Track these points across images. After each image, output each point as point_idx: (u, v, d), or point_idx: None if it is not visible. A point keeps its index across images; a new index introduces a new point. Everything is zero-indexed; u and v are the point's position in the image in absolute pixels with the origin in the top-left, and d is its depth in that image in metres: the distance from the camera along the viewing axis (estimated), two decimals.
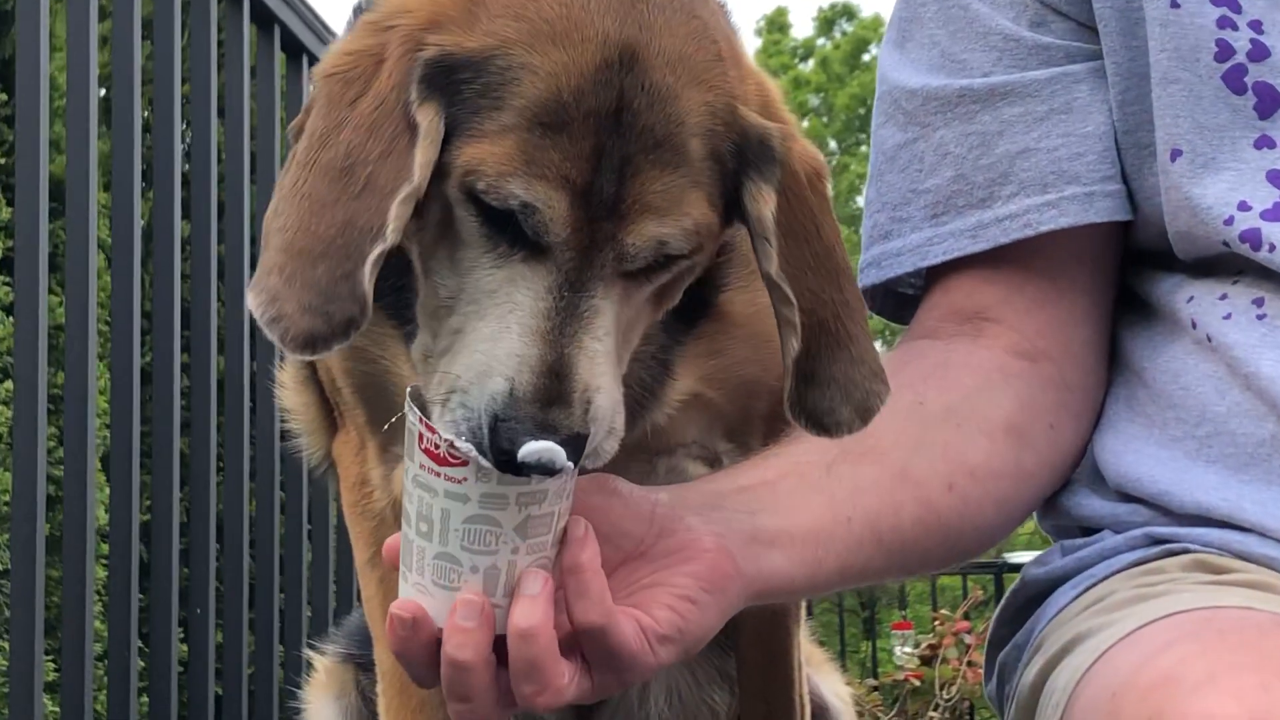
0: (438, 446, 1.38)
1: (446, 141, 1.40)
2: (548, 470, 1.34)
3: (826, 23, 34.36)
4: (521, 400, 1.36)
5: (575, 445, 1.36)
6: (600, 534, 1.44)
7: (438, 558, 1.40)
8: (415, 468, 1.40)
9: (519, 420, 1.35)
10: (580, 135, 1.38)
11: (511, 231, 1.40)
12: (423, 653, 1.42)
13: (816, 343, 1.51)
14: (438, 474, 1.38)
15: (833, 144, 31.83)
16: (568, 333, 1.38)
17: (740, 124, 1.47)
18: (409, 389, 1.43)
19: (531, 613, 1.38)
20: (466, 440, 1.36)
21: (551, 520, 1.40)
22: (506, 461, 1.35)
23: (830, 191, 1.58)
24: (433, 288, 1.44)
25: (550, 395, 1.36)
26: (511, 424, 1.35)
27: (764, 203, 1.48)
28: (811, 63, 33.26)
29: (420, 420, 1.39)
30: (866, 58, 32.32)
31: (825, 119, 31.68)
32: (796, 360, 1.50)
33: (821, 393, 1.51)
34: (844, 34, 33.88)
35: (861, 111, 30.80)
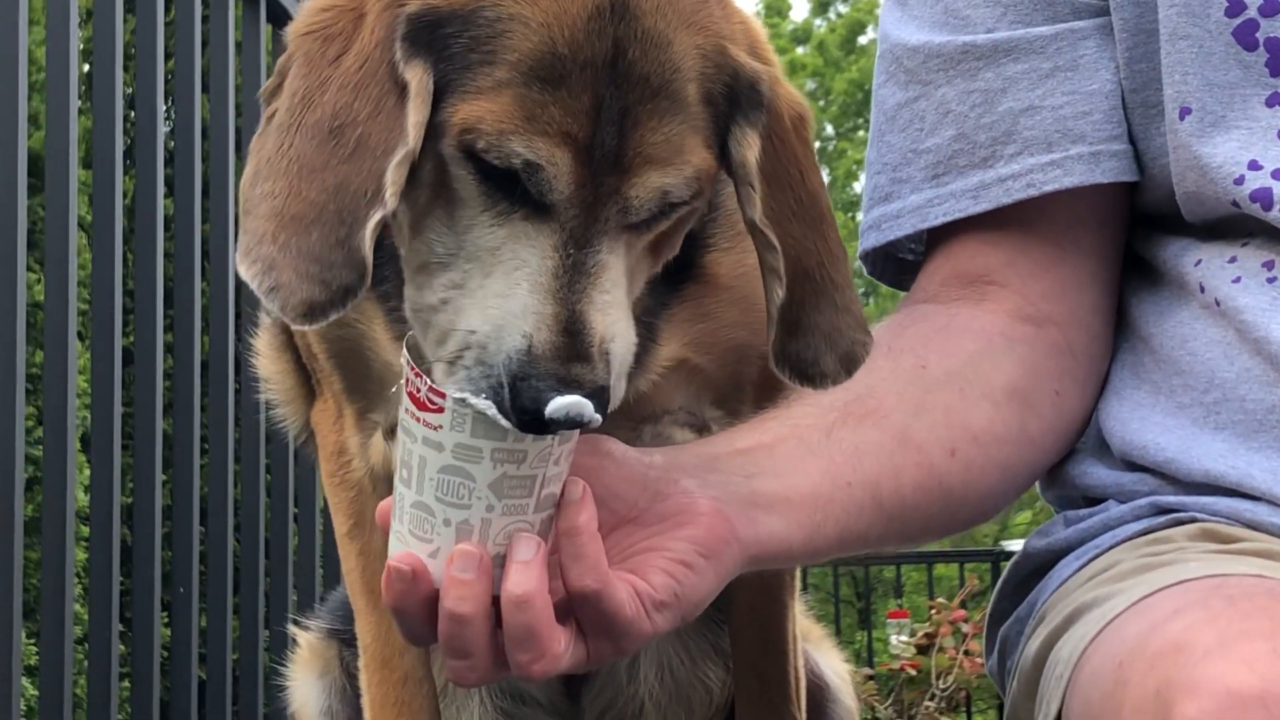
0: (419, 390, 1.36)
1: (437, 99, 1.37)
2: (575, 424, 1.32)
3: (821, 5, 34.40)
4: (542, 358, 1.33)
5: (600, 398, 1.34)
6: (595, 497, 1.40)
7: (414, 506, 1.38)
8: (401, 412, 1.38)
9: (541, 378, 1.33)
10: (578, 88, 1.36)
11: (512, 189, 1.37)
12: (419, 608, 1.38)
13: (800, 291, 1.49)
14: (417, 419, 1.36)
15: (829, 129, 31.87)
16: (577, 289, 1.36)
17: (731, 65, 1.44)
18: (407, 337, 1.41)
19: (526, 579, 1.35)
20: (487, 398, 1.33)
21: (533, 484, 1.37)
22: (531, 420, 1.32)
23: (812, 138, 1.55)
24: (425, 244, 1.41)
25: (569, 351, 1.34)
26: (533, 382, 1.33)
27: (749, 147, 1.46)
28: (808, 47, 33.28)
29: (408, 363, 1.37)
30: (864, 40, 32.36)
31: (822, 104, 31.71)
32: (781, 309, 1.48)
33: (806, 342, 1.50)
34: (839, 15, 33.90)
35: (859, 96, 30.83)
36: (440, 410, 1.35)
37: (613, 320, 1.37)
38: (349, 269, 1.34)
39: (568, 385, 1.32)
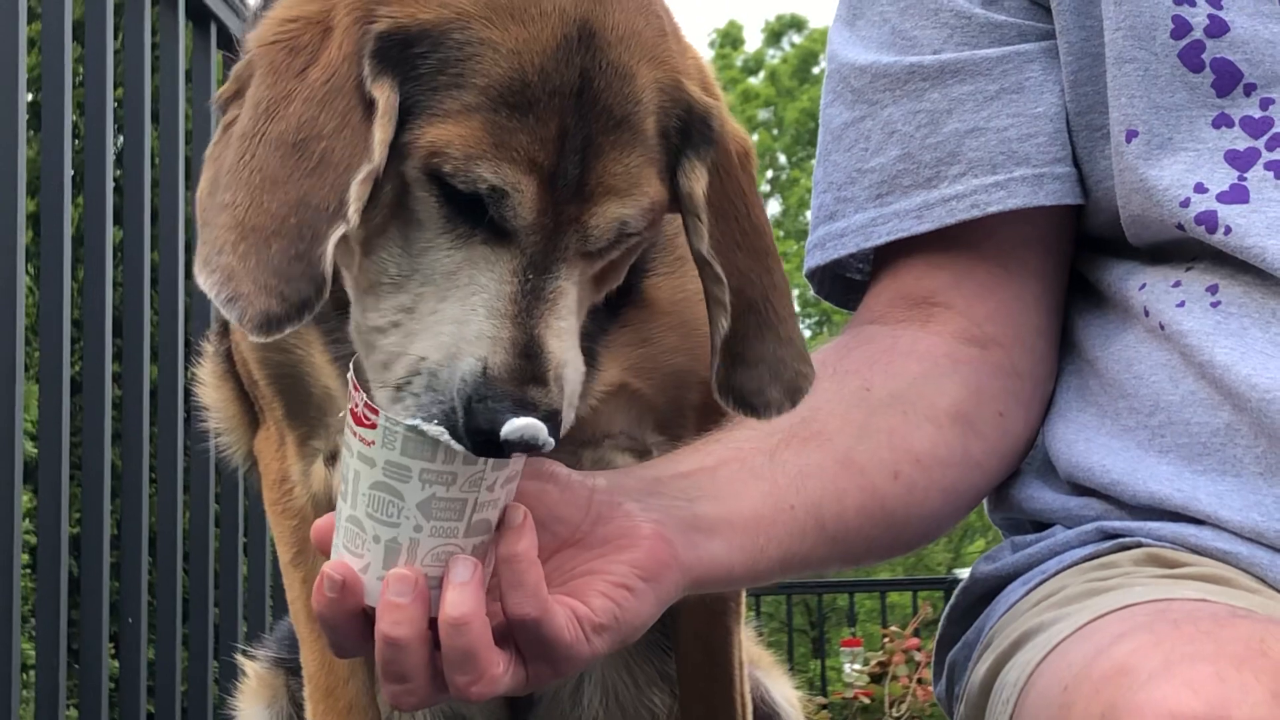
0: (357, 405, 1.36)
1: (402, 119, 1.36)
2: (530, 447, 1.32)
3: (774, 35, 34.51)
4: (498, 379, 1.33)
5: (554, 421, 1.34)
6: (536, 519, 1.40)
7: (348, 520, 1.38)
8: (344, 425, 1.38)
9: (496, 399, 1.32)
10: (546, 116, 1.36)
11: (474, 214, 1.37)
12: (346, 620, 1.37)
13: (745, 322, 1.49)
14: (355, 433, 1.36)
15: (782, 158, 31.96)
16: (535, 314, 1.36)
17: (686, 99, 1.45)
18: (353, 363, 1.41)
19: (462, 601, 1.34)
20: (438, 424, 1.33)
21: (463, 508, 1.36)
22: (485, 442, 1.32)
23: (756, 172, 1.57)
24: (378, 265, 1.40)
25: (525, 374, 1.34)
26: (489, 403, 1.32)
27: (697, 180, 1.46)
28: (761, 76, 33.38)
29: (351, 377, 1.37)
30: (816, 70, 32.46)
31: (775, 133, 31.79)
32: (725, 340, 1.48)
33: (751, 373, 1.50)
34: (793, 45, 34.01)
35: (811, 125, 30.92)
36: (373, 426, 1.34)
37: (568, 347, 1.37)
38: (308, 282, 1.33)
39: (523, 407, 1.32)
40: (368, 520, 1.36)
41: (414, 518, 1.35)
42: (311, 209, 1.34)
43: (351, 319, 1.44)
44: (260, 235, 1.34)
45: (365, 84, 1.36)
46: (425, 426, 1.33)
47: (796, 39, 34.10)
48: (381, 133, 1.35)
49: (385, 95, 1.36)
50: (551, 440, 1.33)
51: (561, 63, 1.37)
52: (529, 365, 1.34)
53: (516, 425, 1.31)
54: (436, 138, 1.35)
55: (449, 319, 1.36)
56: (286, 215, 1.34)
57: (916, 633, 8.68)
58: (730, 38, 34.09)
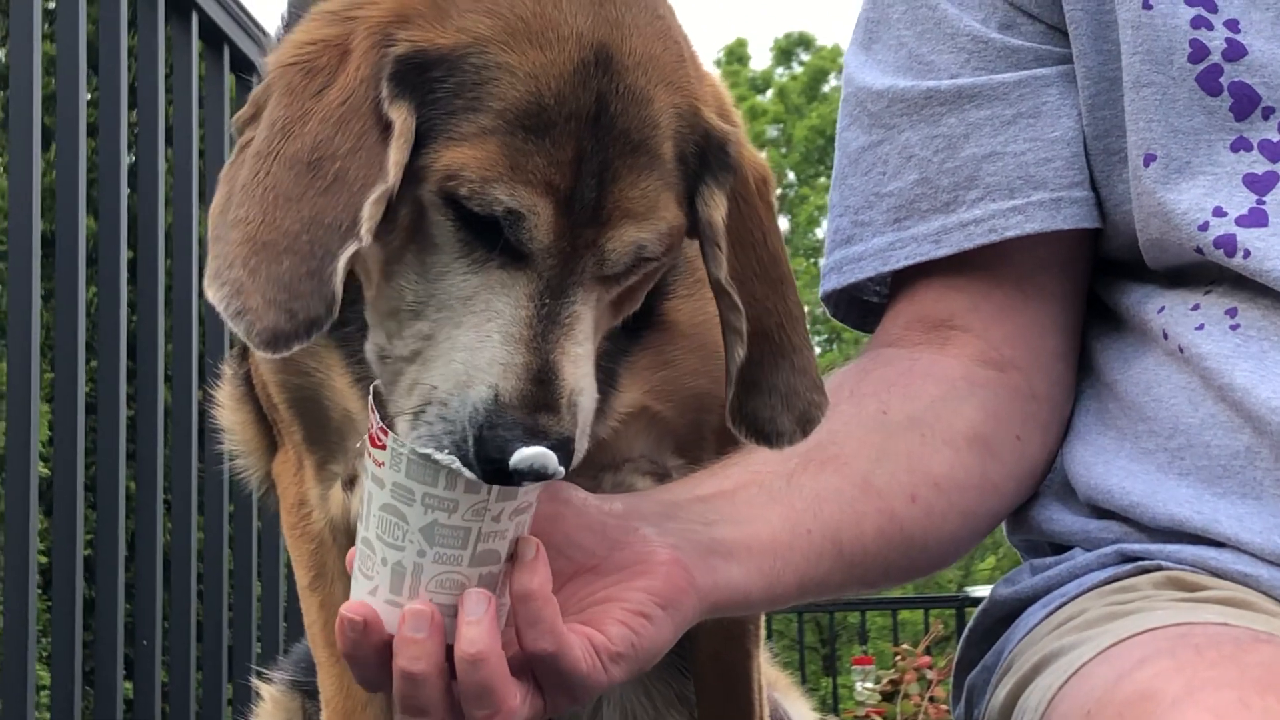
0: (372, 425, 1.36)
1: (418, 142, 1.36)
2: (539, 476, 1.31)
3: (784, 53, 34.54)
4: (509, 407, 1.33)
5: (565, 449, 1.34)
6: (552, 545, 1.40)
7: (362, 541, 1.38)
8: (364, 447, 1.39)
9: (507, 427, 1.32)
10: (562, 139, 1.36)
11: (491, 238, 1.37)
12: (373, 656, 1.37)
13: (760, 351, 1.49)
14: (369, 454, 1.36)
15: (791, 175, 31.97)
16: (550, 339, 1.36)
17: (704, 127, 1.45)
18: (373, 386, 1.41)
19: (478, 637, 1.34)
20: (449, 453, 1.32)
21: (466, 536, 1.35)
22: (496, 471, 1.32)
23: (775, 200, 1.56)
24: (396, 291, 1.40)
25: (537, 401, 1.33)
26: (499, 431, 1.32)
27: (716, 208, 1.46)
28: (770, 94, 33.41)
29: (370, 400, 1.38)
30: (826, 88, 32.48)
31: (784, 150, 31.79)
32: (741, 368, 1.48)
33: (764, 401, 1.50)
34: (802, 64, 34.02)
35: (820, 143, 30.96)
36: (384, 448, 1.35)
37: (583, 373, 1.37)
38: (318, 300, 1.33)
39: (534, 435, 1.32)
40: (377, 542, 1.36)
41: (418, 542, 1.35)
42: (324, 227, 1.34)
43: (370, 343, 1.44)
44: (272, 251, 1.34)
45: (382, 106, 1.37)
46: (430, 453, 1.33)
47: (805, 57, 34.12)
48: (397, 154, 1.35)
49: (402, 117, 1.36)
50: (561, 470, 1.32)
51: (578, 86, 1.37)
52: (541, 392, 1.34)
53: (526, 455, 1.31)
54: (452, 160, 1.35)
55: (462, 346, 1.36)
56: (299, 232, 1.34)
57: (928, 650, 8.65)
58: (736, 55, 34.12)
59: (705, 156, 1.45)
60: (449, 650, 1.36)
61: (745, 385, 1.49)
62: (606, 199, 1.38)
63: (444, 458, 1.32)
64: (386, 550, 1.36)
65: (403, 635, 1.34)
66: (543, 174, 1.35)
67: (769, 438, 1.50)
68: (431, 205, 1.37)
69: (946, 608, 10.90)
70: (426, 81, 1.37)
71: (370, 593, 1.37)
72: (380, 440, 1.35)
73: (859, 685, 9.63)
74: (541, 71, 1.37)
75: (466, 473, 1.32)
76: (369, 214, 1.34)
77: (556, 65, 1.37)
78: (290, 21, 1.56)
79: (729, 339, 1.48)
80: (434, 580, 1.36)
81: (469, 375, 1.34)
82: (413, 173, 1.36)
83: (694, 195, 1.46)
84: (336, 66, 1.40)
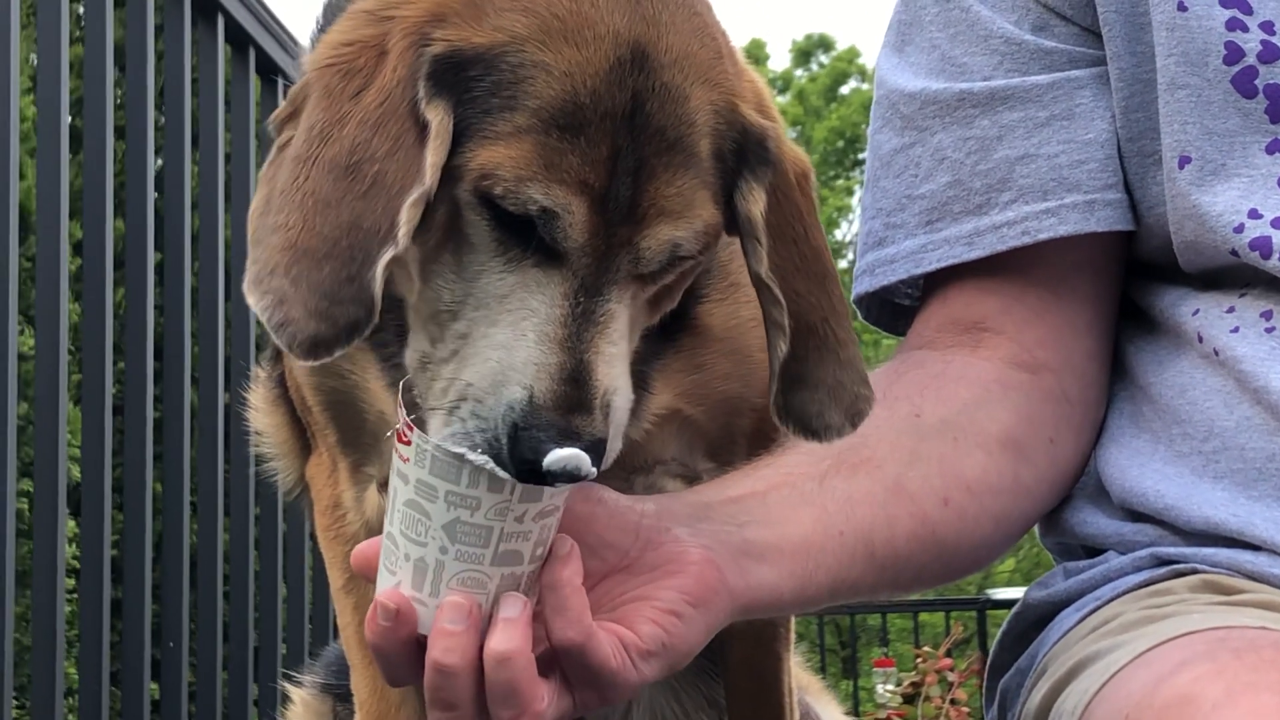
0: (399, 421, 1.37)
1: (456, 141, 1.37)
2: (573, 478, 1.32)
3: (803, 54, 34.52)
4: (543, 408, 1.33)
5: (598, 450, 1.34)
6: (584, 545, 1.40)
7: (387, 536, 1.39)
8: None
9: (542, 428, 1.32)
10: (597, 138, 1.36)
11: (525, 236, 1.37)
12: (400, 648, 1.38)
13: (804, 345, 1.49)
14: (397, 450, 1.37)
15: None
16: (585, 338, 1.36)
17: (741, 123, 1.45)
18: (403, 383, 1.41)
19: (510, 637, 1.34)
20: (483, 451, 1.33)
21: (489, 535, 1.35)
22: (530, 471, 1.32)
23: (816, 195, 1.56)
24: (434, 292, 1.41)
25: (571, 402, 1.34)
26: (534, 432, 1.32)
27: (755, 203, 1.46)
28: (789, 96, 33.38)
29: (400, 396, 1.38)
30: (845, 90, 32.45)
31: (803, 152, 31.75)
32: (784, 363, 1.48)
33: (811, 395, 1.50)
34: (821, 66, 33.99)
35: (840, 145, 30.93)
36: (410, 444, 1.35)
37: (617, 373, 1.37)
38: (358, 305, 1.33)
39: (567, 437, 1.32)
40: (400, 538, 1.37)
41: (440, 539, 1.35)
42: (363, 232, 1.34)
43: (410, 349, 1.44)
44: (312, 258, 1.34)
45: (419, 107, 1.37)
46: (453, 449, 1.33)
47: (824, 59, 34.09)
48: (434, 155, 1.35)
49: (439, 118, 1.36)
50: (594, 470, 1.32)
51: (614, 84, 1.37)
52: (576, 393, 1.34)
53: (560, 456, 1.31)
54: (487, 160, 1.35)
55: (498, 344, 1.36)
56: (338, 238, 1.35)
57: (949, 653, 8.64)
58: (753, 56, 34.08)
59: (743, 152, 1.45)
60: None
61: (790, 380, 1.49)
62: (642, 197, 1.38)
63: (476, 457, 1.32)
64: (410, 546, 1.37)
65: (439, 627, 1.35)
66: (577, 172, 1.35)
67: (817, 432, 1.50)
68: (467, 205, 1.38)
69: (967, 610, 10.87)
70: (463, 81, 1.37)
71: (394, 588, 1.38)
72: (406, 436, 1.35)
73: (880, 687, 9.61)
74: (577, 70, 1.37)
75: (498, 471, 1.32)
76: (406, 217, 1.34)
77: (592, 63, 1.37)
78: (326, 22, 1.56)
79: (771, 333, 1.48)
80: (455, 578, 1.36)
81: (504, 374, 1.35)
82: (449, 173, 1.37)
83: (732, 191, 1.46)
84: (374, 68, 1.40)
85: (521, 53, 1.37)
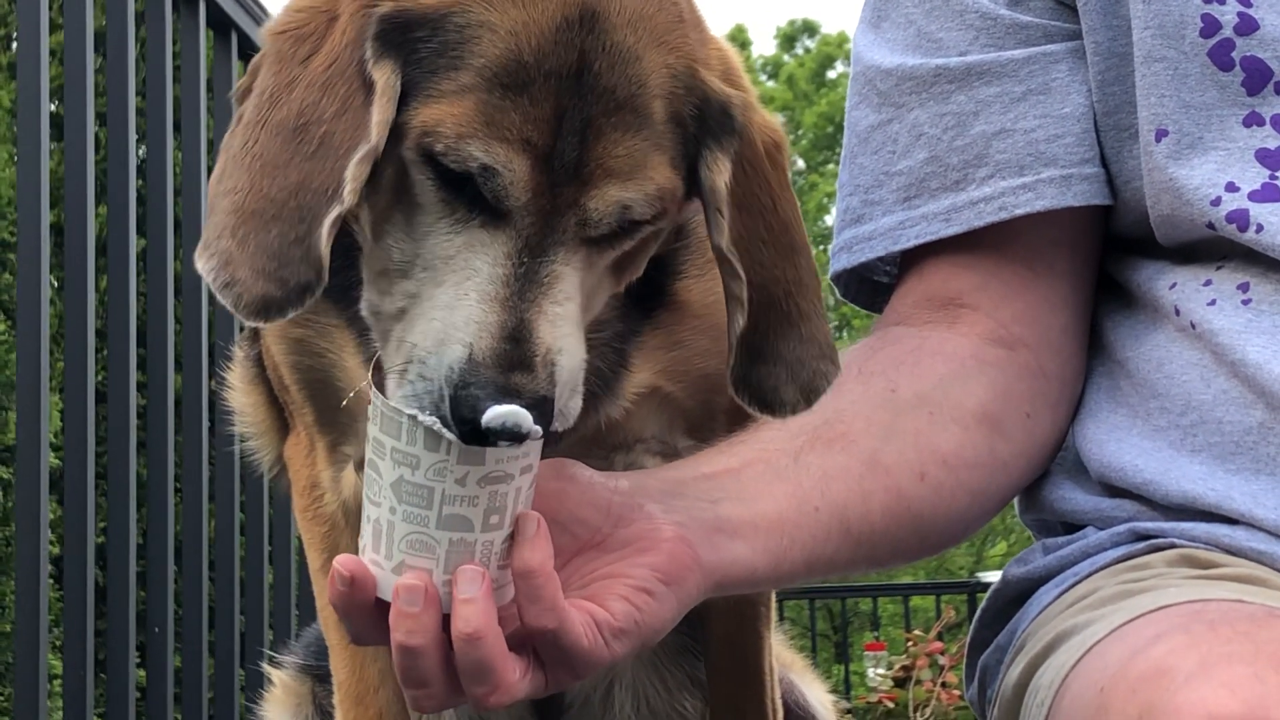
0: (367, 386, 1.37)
1: (403, 101, 1.37)
2: (514, 436, 1.30)
3: (788, 39, 34.53)
4: (481, 365, 1.32)
5: (542, 409, 1.33)
6: (556, 522, 1.39)
7: (360, 503, 1.39)
8: None
9: (480, 385, 1.31)
10: (541, 96, 1.35)
11: (470, 195, 1.37)
12: (360, 611, 1.38)
13: (765, 319, 1.48)
14: (367, 413, 1.37)
15: (800, 163, 31.94)
16: (527, 298, 1.35)
17: (701, 89, 1.44)
18: (375, 359, 1.42)
19: (473, 615, 1.33)
20: (430, 412, 1.32)
21: (430, 496, 1.34)
22: (472, 431, 1.31)
23: (789, 165, 1.55)
24: (384, 250, 1.41)
25: (511, 359, 1.33)
26: (472, 390, 1.32)
27: (718, 172, 1.45)
28: (777, 81, 33.38)
29: (374, 362, 1.39)
30: (833, 74, 32.45)
31: (792, 138, 31.75)
32: (743, 336, 1.47)
33: (768, 370, 1.49)
34: (806, 50, 34.00)
35: (829, 129, 30.91)
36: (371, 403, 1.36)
37: (563, 333, 1.36)
38: (306, 266, 1.34)
39: (506, 394, 1.31)
40: (365, 500, 1.37)
41: (389, 498, 1.35)
42: (311, 192, 1.35)
43: (364, 300, 1.44)
44: (260, 219, 1.35)
45: (367, 67, 1.37)
46: (422, 417, 1.32)
47: (810, 43, 34.09)
48: (380, 113, 1.35)
49: (385, 77, 1.36)
50: (537, 429, 1.32)
51: (560, 44, 1.36)
52: (515, 350, 1.33)
53: (498, 413, 1.30)
54: (429, 118, 1.35)
55: (441, 304, 1.36)
56: (286, 199, 1.35)
57: (940, 636, 8.65)
58: (738, 41, 34.03)
59: (705, 119, 1.44)
60: (446, 621, 1.35)
61: (749, 353, 1.48)
62: (589, 157, 1.37)
63: (425, 418, 1.32)
64: (369, 507, 1.37)
65: (397, 609, 1.34)
66: (519, 130, 1.35)
67: (772, 407, 1.50)
68: (412, 164, 1.38)
69: (958, 593, 10.90)
70: (410, 41, 1.37)
71: (360, 551, 1.38)
72: (368, 396, 1.36)
73: (871, 671, 9.64)
74: (522, 29, 1.36)
75: (436, 426, 1.32)
76: (352, 175, 1.34)
77: (538, 23, 1.36)
78: None
79: (730, 306, 1.47)
80: (404, 540, 1.36)
81: (445, 334, 1.34)
82: (396, 131, 1.37)
83: (696, 160, 1.45)
84: (324, 32, 1.40)
85: (468, 13, 1.37)
